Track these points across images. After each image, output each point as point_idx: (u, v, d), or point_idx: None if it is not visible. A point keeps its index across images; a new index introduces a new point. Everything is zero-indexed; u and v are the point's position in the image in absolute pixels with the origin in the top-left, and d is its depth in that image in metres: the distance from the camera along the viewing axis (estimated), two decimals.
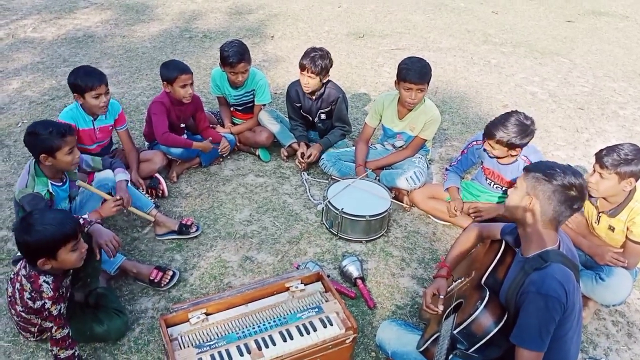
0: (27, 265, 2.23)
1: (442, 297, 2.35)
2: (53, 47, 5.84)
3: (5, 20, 6.58)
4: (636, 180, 2.61)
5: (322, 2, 8.28)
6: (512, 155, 3.12)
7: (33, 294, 2.16)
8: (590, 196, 2.79)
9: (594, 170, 2.66)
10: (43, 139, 2.57)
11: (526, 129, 2.96)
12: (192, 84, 3.59)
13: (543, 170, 2.00)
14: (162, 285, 2.84)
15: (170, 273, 2.89)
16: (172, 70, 3.50)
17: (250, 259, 3.12)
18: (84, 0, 7.53)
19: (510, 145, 2.98)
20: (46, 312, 2.17)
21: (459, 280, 2.39)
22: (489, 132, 3.03)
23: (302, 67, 3.71)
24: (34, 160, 2.70)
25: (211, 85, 4.11)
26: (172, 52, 5.88)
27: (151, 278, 2.83)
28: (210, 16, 7.23)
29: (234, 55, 3.69)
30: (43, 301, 2.15)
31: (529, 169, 2.07)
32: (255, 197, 3.66)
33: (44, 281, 2.17)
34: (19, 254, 2.52)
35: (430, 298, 2.37)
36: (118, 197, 2.89)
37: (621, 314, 2.94)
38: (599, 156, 2.63)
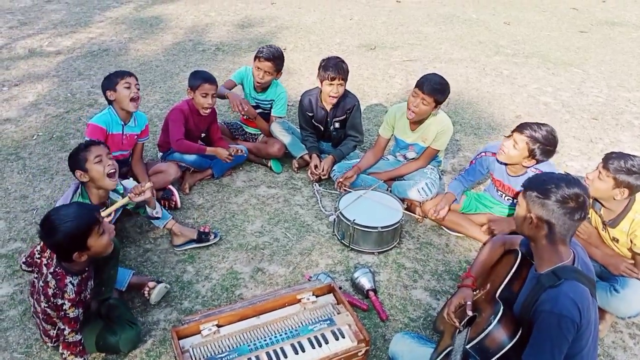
0: (55, 262, 2.22)
1: (470, 302, 2.28)
2: (68, 61, 5.93)
3: (22, 34, 6.71)
4: (630, 194, 2.59)
5: (334, 14, 8.34)
6: (524, 166, 3.09)
7: (56, 291, 2.17)
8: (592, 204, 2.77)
9: (597, 168, 2.66)
10: (72, 154, 2.74)
11: (554, 140, 2.98)
12: (214, 95, 3.64)
13: (537, 188, 1.99)
14: (149, 300, 2.80)
15: (150, 286, 2.79)
16: (198, 78, 3.60)
17: (261, 270, 3.12)
18: (99, 14, 7.66)
19: (534, 141, 2.95)
20: (62, 313, 2.17)
21: (474, 293, 2.36)
22: (521, 126, 3.03)
23: (332, 78, 3.68)
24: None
25: (235, 74, 4.16)
26: (185, 65, 5.95)
27: (142, 291, 2.82)
28: (222, 29, 7.31)
29: (268, 53, 3.83)
30: (63, 301, 2.16)
31: (524, 186, 2.06)
32: (267, 208, 3.67)
33: (70, 282, 2.19)
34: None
35: (455, 307, 2.29)
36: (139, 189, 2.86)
37: (638, 327, 2.88)
38: (607, 157, 2.64)
